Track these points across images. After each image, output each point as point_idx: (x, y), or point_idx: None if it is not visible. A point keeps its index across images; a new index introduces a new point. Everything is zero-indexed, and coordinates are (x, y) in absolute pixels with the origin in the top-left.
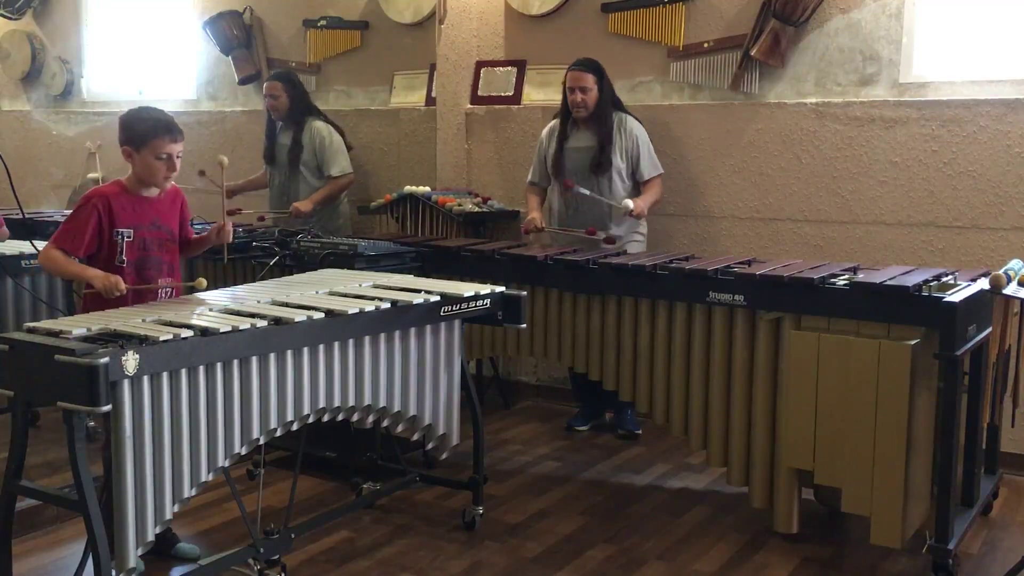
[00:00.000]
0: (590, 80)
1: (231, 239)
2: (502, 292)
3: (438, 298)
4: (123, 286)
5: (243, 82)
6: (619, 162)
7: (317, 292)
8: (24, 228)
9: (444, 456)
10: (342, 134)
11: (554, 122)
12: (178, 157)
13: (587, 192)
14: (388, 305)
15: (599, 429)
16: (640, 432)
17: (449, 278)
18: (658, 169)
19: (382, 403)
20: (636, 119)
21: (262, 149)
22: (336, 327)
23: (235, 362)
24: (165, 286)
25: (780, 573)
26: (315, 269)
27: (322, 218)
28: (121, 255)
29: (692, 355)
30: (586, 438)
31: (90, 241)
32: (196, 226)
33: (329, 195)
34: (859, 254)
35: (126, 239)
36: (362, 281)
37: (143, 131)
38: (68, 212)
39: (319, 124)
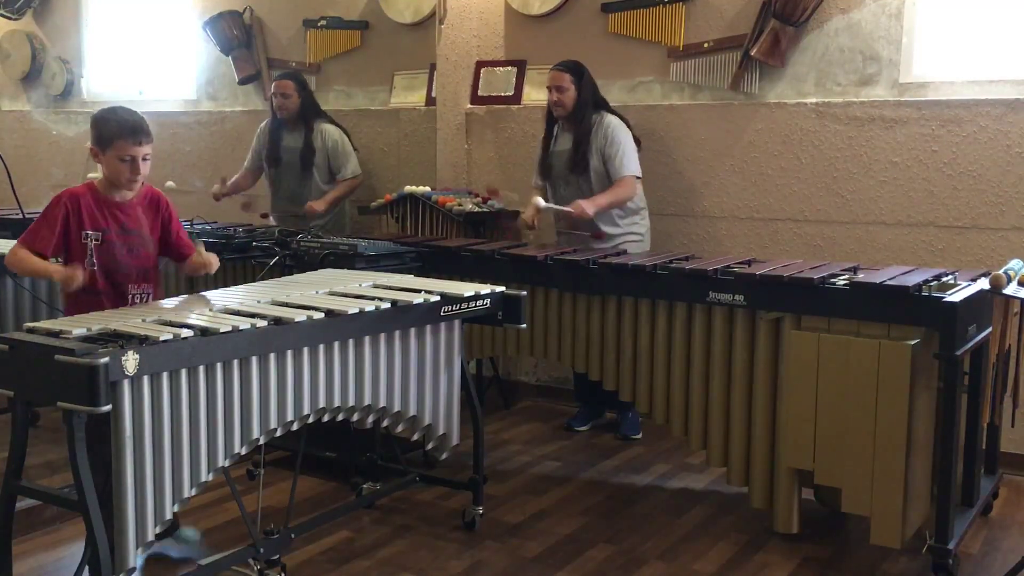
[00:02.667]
0: (566, 80)
1: (213, 271)
2: (502, 292)
3: (438, 298)
4: (80, 278)
5: (243, 82)
6: (595, 162)
7: (317, 292)
8: (24, 228)
9: (444, 456)
10: (348, 135)
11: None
12: (144, 159)
13: (551, 205)
14: (388, 305)
15: (599, 429)
16: (639, 437)
17: (449, 278)
18: (629, 170)
19: (382, 403)
20: (621, 118)
21: (265, 151)
22: (336, 327)
23: (235, 362)
24: (140, 293)
25: (780, 573)
26: (315, 269)
27: (331, 220)
28: (91, 257)
29: (692, 355)
30: (586, 438)
31: (58, 241)
32: (197, 225)
33: (341, 196)
34: (859, 254)
35: (94, 241)
36: (362, 281)
37: (108, 132)
38: None
39: (329, 127)
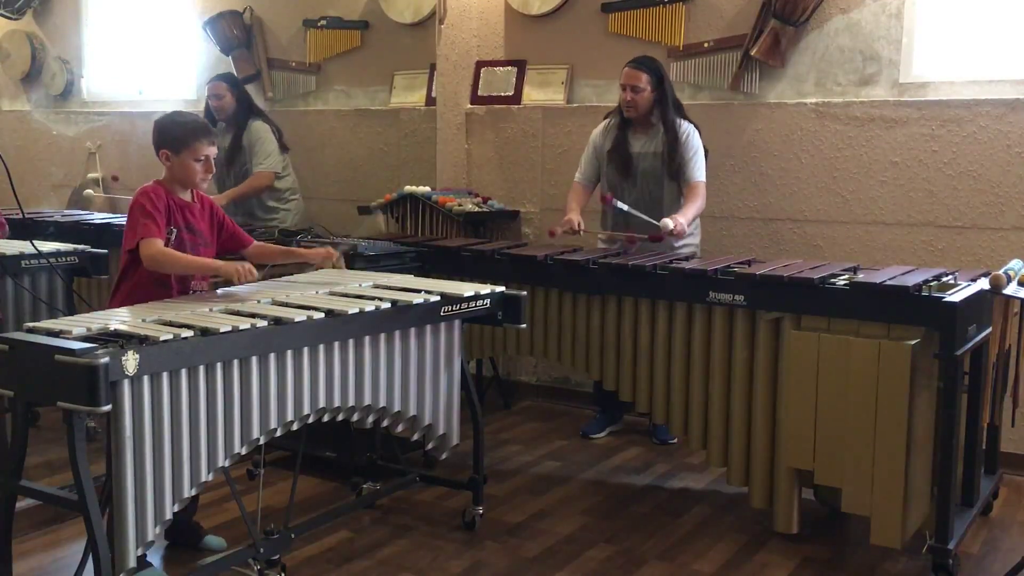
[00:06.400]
0: (643, 80)
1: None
2: (502, 292)
3: (438, 298)
4: (256, 272)
5: (243, 82)
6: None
7: (317, 292)
8: (24, 228)
9: (444, 456)
10: (280, 135)
11: (606, 121)
12: (214, 159)
13: (625, 208)
14: (388, 305)
15: (615, 437)
16: (675, 440)
17: (449, 278)
18: (702, 176)
19: (382, 403)
20: (692, 124)
21: None
22: (336, 327)
23: (235, 362)
24: (197, 288)
25: (780, 573)
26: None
27: (261, 211)
28: None
29: (692, 355)
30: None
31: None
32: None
33: (244, 193)
34: (859, 254)
35: (171, 239)
36: (362, 281)
37: (182, 134)
38: (69, 212)
39: (258, 124)
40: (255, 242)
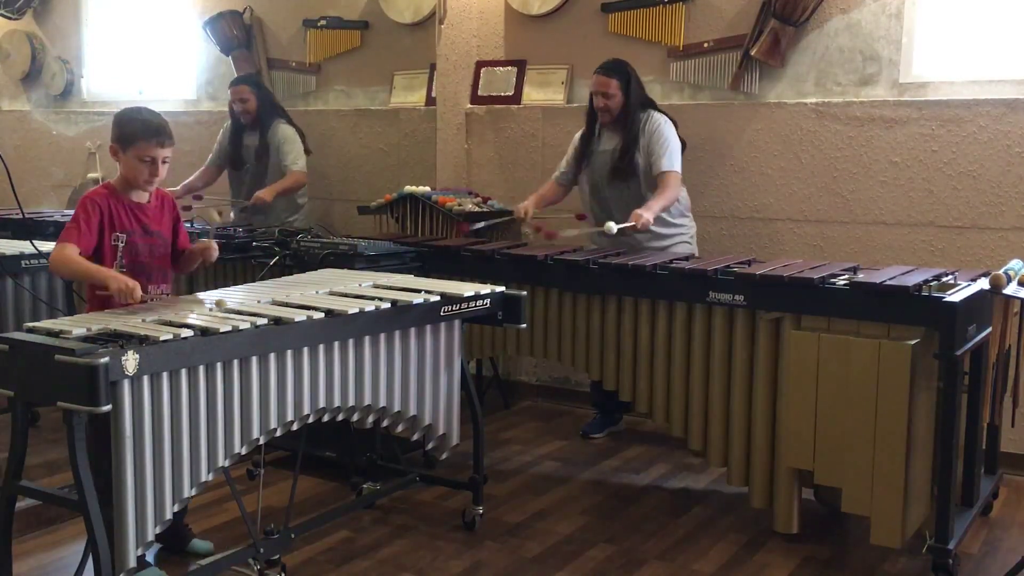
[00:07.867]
0: (613, 86)
1: (214, 259)
2: (502, 292)
3: (438, 298)
4: (139, 293)
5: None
6: (642, 162)
7: (317, 292)
8: (24, 228)
9: (444, 456)
10: (303, 137)
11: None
12: (164, 162)
13: (575, 233)
14: (388, 305)
15: (614, 437)
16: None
17: (449, 278)
18: (672, 166)
19: (382, 403)
20: (666, 115)
21: (227, 153)
22: (336, 327)
23: (235, 362)
24: (160, 294)
25: (780, 573)
26: (315, 269)
27: (280, 212)
28: (120, 260)
29: (692, 355)
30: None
31: (96, 243)
32: (198, 227)
33: (287, 187)
34: (859, 254)
35: (120, 244)
36: (362, 281)
37: (130, 132)
38: (69, 212)
39: (283, 126)
40: (189, 247)
